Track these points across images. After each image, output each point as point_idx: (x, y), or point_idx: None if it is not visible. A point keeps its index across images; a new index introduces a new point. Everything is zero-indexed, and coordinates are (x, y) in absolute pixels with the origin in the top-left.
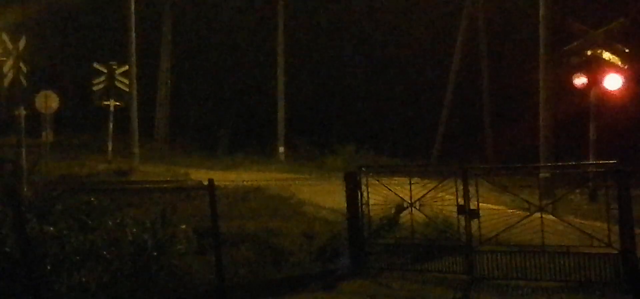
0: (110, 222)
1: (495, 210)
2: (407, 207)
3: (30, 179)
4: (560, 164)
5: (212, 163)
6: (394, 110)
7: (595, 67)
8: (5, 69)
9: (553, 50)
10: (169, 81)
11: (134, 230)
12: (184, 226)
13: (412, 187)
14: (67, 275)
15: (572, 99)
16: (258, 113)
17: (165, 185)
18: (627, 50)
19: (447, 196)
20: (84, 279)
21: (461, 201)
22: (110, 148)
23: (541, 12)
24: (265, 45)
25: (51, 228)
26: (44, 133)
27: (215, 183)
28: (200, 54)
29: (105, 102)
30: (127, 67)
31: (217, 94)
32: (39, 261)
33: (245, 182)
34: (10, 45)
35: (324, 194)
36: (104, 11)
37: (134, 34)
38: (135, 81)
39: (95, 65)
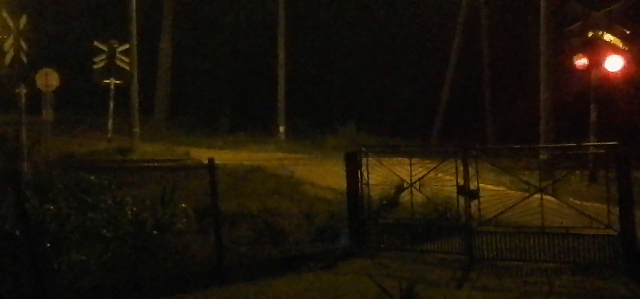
0: (110, 201)
1: (495, 191)
2: (407, 187)
3: (30, 157)
4: (560, 145)
5: (212, 142)
6: (395, 90)
7: (596, 49)
8: (6, 46)
9: (554, 31)
10: (170, 59)
11: (134, 209)
12: (183, 205)
13: (412, 167)
14: (66, 253)
15: (573, 81)
16: (258, 92)
17: (165, 164)
18: (628, 32)
19: (447, 177)
20: (83, 258)
21: (461, 182)
22: (110, 126)
23: None
24: (266, 23)
25: (51, 206)
26: (44, 111)
27: (216, 162)
28: (201, 32)
29: (106, 81)
30: (127, 45)
31: (217, 72)
32: (39, 239)
33: (245, 162)
34: (10, 23)
35: (324, 174)
36: None
37: (134, 12)
38: (136, 59)
39: (96, 43)
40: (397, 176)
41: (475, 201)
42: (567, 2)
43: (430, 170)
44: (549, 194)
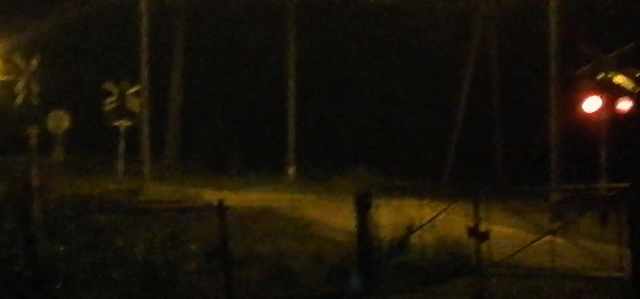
0: (120, 242)
1: (505, 232)
2: (417, 228)
3: (40, 198)
4: (571, 187)
5: (222, 183)
6: (405, 130)
7: (606, 91)
8: (17, 88)
9: (564, 73)
10: (180, 100)
11: (144, 250)
12: (193, 246)
13: (423, 208)
14: (77, 295)
15: (584, 122)
16: (268, 133)
17: (175, 205)
18: (638, 74)
19: (457, 218)
20: None
21: (471, 223)
22: (120, 168)
23: (551, 35)
24: (276, 65)
25: (61, 247)
26: (54, 152)
27: (225, 203)
28: (211, 74)
29: (116, 122)
30: (138, 86)
31: (227, 113)
32: (49, 281)
33: (255, 203)
34: (22, 65)
35: (334, 215)
36: (116, 30)
37: (145, 56)
38: (146, 101)
39: (107, 85)
40: (408, 217)
41: (486, 243)
42: (577, 44)
43: (441, 211)
44: (560, 236)
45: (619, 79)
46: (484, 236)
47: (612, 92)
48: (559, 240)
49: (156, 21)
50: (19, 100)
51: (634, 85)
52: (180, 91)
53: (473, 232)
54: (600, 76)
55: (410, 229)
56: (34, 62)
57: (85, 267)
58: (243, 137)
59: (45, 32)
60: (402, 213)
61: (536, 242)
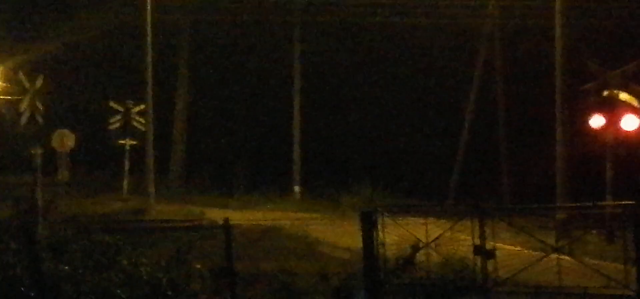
0: (125, 261)
1: (511, 250)
2: (423, 247)
3: (45, 217)
4: (577, 204)
5: (227, 201)
6: (410, 149)
7: (611, 108)
8: (22, 107)
9: (570, 89)
10: (185, 119)
11: (149, 269)
12: (199, 265)
13: (428, 226)
14: None
15: (590, 139)
16: (274, 152)
17: (180, 224)
18: None
19: (463, 236)
20: None
21: (477, 241)
22: (125, 186)
23: (557, 52)
24: (281, 83)
25: (66, 267)
26: (59, 171)
27: (231, 222)
28: (217, 92)
29: (121, 141)
30: (143, 105)
31: (233, 132)
32: None
33: (260, 221)
34: (27, 84)
35: (340, 234)
36: (120, 49)
37: (150, 76)
38: (151, 120)
39: (112, 103)
40: (413, 235)
41: (492, 261)
42: (583, 61)
43: (446, 230)
44: (566, 254)
45: (624, 96)
46: (490, 254)
47: (618, 109)
48: (565, 258)
49: (161, 40)
50: (24, 119)
51: (639, 102)
52: (185, 109)
53: (479, 250)
54: (606, 92)
55: (415, 248)
56: (39, 81)
57: (90, 287)
58: (248, 155)
59: (50, 51)
60: (408, 232)
61: (542, 260)
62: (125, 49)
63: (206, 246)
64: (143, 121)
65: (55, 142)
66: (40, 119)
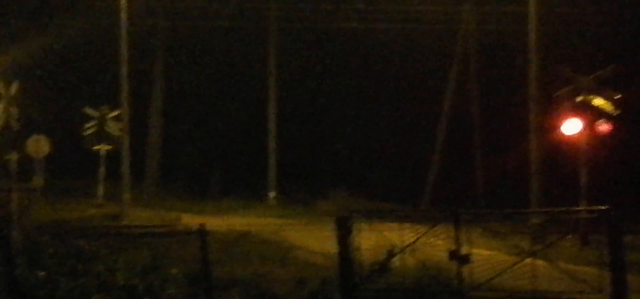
0: (100, 267)
1: (486, 255)
2: (399, 252)
3: (20, 223)
4: (551, 209)
5: (203, 207)
6: (386, 154)
7: (585, 113)
8: None
9: (544, 95)
10: (160, 125)
11: (125, 275)
12: (174, 271)
13: (404, 232)
14: None
15: (564, 144)
16: (249, 157)
17: (156, 229)
18: (617, 96)
19: (438, 241)
20: None
21: (452, 247)
22: (101, 192)
23: (531, 58)
24: (257, 89)
25: (42, 273)
26: (34, 177)
27: (206, 228)
28: (192, 98)
29: (96, 147)
30: (118, 111)
31: (208, 138)
32: None
33: (236, 227)
34: (1, 90)
35: (315, 239)
36: (96, 55)
37: (125, 82)
38: (127, 126)
39: (87, 109)
40: (389, 240)
41: (467, 266)
42: (556, 67)
43: (421, 235)
44: (541, 259)
45: (598, 101)
46: (465, 260)
47: (592, 115)
48: (539, 263)
49: (136, 46)
50: None
51: (613, 107)
52: (160, 115)
53: (454, 255)
54: (580, 98)
55: (391, 253)
56: (14, 87)
57: (65, 292)
58: (224, 161)
59: (25, 57)
60: (383, 237)
61: (517, 265)
62: (100, 54)
63: (182, 252)
64: (118, 127)
65: (30, 148)
66: (15, 125)
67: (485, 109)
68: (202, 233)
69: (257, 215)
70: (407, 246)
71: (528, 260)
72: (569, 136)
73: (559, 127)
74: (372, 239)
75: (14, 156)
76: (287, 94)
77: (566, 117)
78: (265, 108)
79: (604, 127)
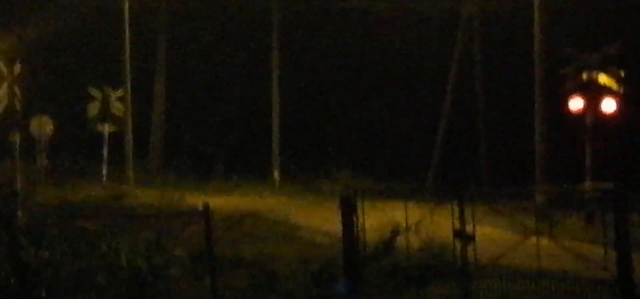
0: (104, 248)
1: (491, 234)
2: (403, 231)
3: (24, 204)
4: (556, 188)
5: (207, 187)
6: (390, 133)
7: (590, 91)
8: (0, 94)
9: (548, 73)
10: (164, 105)
11: (129, 255)
12: (179, 251)
13: (408, 210)
14: None
15: (569, 122)
16: (253, 137)
17: (159, 210)
18: (622, 74)
19: (442, 220)
20: None
21: (457, 225)
22: (104, 173)
23: (536, 36)
24: (260, 68)
25: (46, 254)
26: (38, 158)
27: (210, 207)
28: (195, 78)
29: (100, 127)
30: (121, 92)
31: (212, 118)
32: (34, 287)
33: (240, 207)
34: (4, 70)
35: (319, 219)
36: (99, 35)
37: (128, 62)
38: (130, 106)
39: (90, 90)
40: (393, 219)
41: (472, 245)
42: (562, 44)
43: (426, 214)
44: (546, 237)
45: (604, 79)
46: (470, 238)
47: (597, 92)
48: (544, 241)
49: (139, 26)
50: (2, 106)
51: (618, 85)
52: (164, 95)
53: (459, 234)
54: (585, 75)
55: (395, 232)
56: (17, 67)
57: (70, 273)
58: (227, 141)
59: (28, 37)
60: (388, 216)
61: (522, 244)
62: (103, 34)
63: (186, 232)
64: (121, 107)
65: (33, 129)
66: (18, 106)
67: (490, 86)
68: (206, 212)
69: (261, 195)
70: (412, 225)
71: (533, 238)
72: (574, 113)
73: (564, 105)
74: (376, 219)
75: (17, 137)
76: (291, 73)
77: (571, 95)
78: (268, 87)
79: (609, 104)
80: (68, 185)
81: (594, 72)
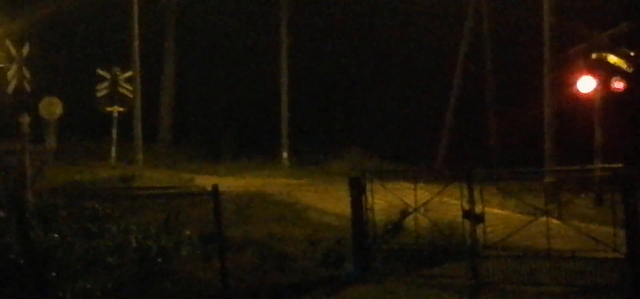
0: (114, 229)
1: (500, 214)
2: (412, 212)
3: (34, 186)
4: (565, 168)
5: (216, 168)
6: (399, 114)
7: (600, 71)
8: (9, 75)
9: (557, 52)
10: (173, 86)
11: (138, 236)
12: (188, 232)
13: (417, 191)
14: (71, 282)
15: (578, 102)
16: (262, 118)
17: (169, 191)
18: (632, 54)
19: (452, 201)
20: (88, 286)
21: (466, 206)
22: (113, 154)
23: (545, 15)
24: (269, 50)
25: (56, 235)
26: (47, 139)
27: (220, 188)
28: (204, 59)
29: (109, 108)
30: (130, 72)
31: (220, 99)
32: (44, 268)
33: (249, 188)
34: (14, 52)
35: (328, 200)
36: (108, 16)
37: (137, 41)
38: (139, 87)
39: (99, 71)
40: (402, 200)
41: (481, 225)
42: (571, 23)
43: (435, 194)
44: (555, 218)
45: (613, 59)
46: (479, 219)
47: (607, 72)
48: (553, 221)
49: (148, 6)
50: (11, 87)
51: (628, 64)
52: (173, 76)
53: (468, 214)
54: (594, 55)
55: (404, 213)
56: (26, 49)
57: (79, 254)
58: (236, 121)
59: (37, 18)
60: (397, 196)
61: (531, 224)
62: (112, 15)
63: (195, 213)
64: (130, 88)
65: (42, 110)
66: (27, 87)
67: (499, 67)
68: (215, 193)
69: (270, 176)
70: (421, 205)
71: (542, 219)
72: (584, 93)
73: (574, 85)
74: (385, 199)
75: (26, 118)
76: (300, 54)
77: (581, 75)
78: (277, 68)
79: (618, 84)
80: (77, 166)
81: (604, 52)
